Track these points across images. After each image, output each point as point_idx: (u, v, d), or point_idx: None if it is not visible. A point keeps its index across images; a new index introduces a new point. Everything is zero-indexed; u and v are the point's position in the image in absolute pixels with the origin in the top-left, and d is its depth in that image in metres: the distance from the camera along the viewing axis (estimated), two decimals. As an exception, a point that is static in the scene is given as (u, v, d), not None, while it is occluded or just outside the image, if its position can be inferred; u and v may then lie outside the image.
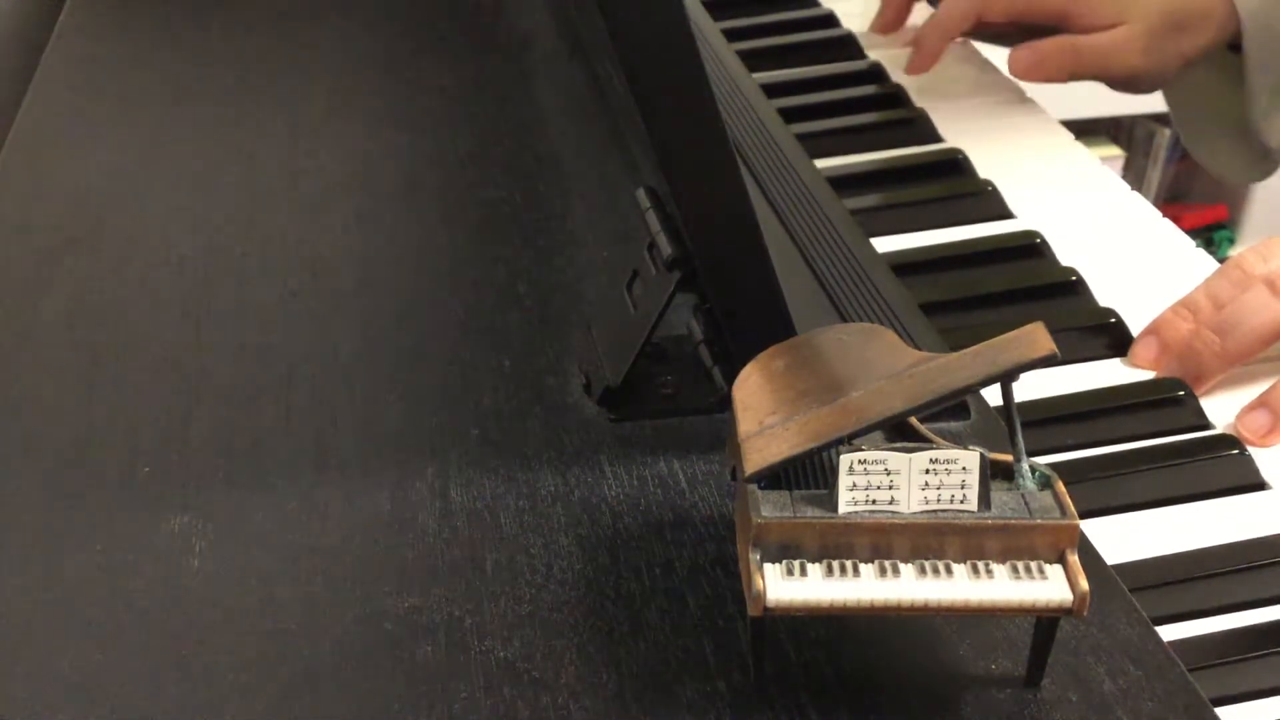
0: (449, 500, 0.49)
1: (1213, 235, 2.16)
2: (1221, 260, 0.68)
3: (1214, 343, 0.62)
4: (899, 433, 0.42)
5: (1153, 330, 0.65)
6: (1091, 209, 0.78)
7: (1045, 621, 0.40)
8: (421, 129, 0.75)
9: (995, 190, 0.78)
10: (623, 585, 0.45)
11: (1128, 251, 0.73)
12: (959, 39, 0.96)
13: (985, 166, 0.80)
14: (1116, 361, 0.65)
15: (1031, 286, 0.70)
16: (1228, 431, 0.60)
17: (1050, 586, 0.37)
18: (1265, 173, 0.99)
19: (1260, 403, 0.60)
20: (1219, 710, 0.41)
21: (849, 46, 0.97)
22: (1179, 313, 0.64)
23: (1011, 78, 0.93)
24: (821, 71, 0.94)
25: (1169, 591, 0.52)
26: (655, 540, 0.47)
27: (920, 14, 1.01)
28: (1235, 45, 0.91)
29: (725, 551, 0.46)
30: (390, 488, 0.49)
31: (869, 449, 0.38)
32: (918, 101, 0.89)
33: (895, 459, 0.38)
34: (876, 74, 0.93)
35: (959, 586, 0.38)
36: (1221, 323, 0.62)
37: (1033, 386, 0.61)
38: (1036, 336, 0.39)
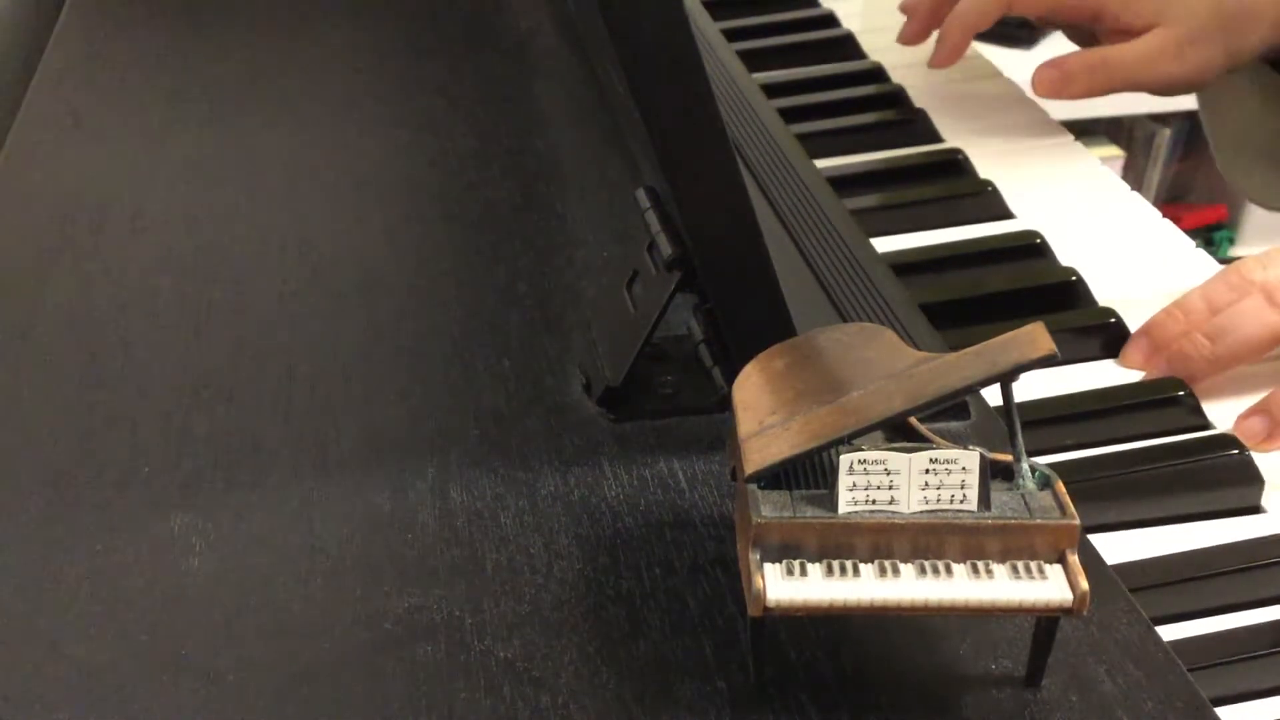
0: (449, 500, 0.49)
1: (1213, 235, 2.16)
2: (1222, 261, 0.68)
3: (1204, 346, 0.62)
4: (899, 433, 0.42)
5: (1145, 331, 0.64)
6: (1091, 209, 0.78)
7: (1045, 621, 0.40)
8: (421, 129, 0.75)
9: (995, 190, 0.78)
10: (623, 585, 0.45)
11: (1128, 251, 0.73)
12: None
13: (985, 166, 0.80)
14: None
15: (1031, 286, 0.69)
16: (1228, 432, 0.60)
17: (1050, 586, 0.37)
18: None
19: (1259, 409, 0.60)
20: (1219, 710, 0.41)
21: (849, 46, 0.97)
22: (1172, 314, 0.64)
23: (1011, 77, 0.93)
24: (821, 72, 0.94)
25: (1169, 591, 0.52)
26: (655, 540, 0.47)
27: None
28: (1276, 63, 0.88)
29: (725, 551, 0.46)
30: (390, 488, 0.49)
31: (869, 449, 0.38)
32: (918, 101, 0.89)
33: (895, 459, 0.38)
34: (876, 74, 0.92)
35: (959, 586, 0.38)
36: (1214, 327, 0.62)
37: (1033, 386, 0.61)
38: (1036, 336, 0.39)
